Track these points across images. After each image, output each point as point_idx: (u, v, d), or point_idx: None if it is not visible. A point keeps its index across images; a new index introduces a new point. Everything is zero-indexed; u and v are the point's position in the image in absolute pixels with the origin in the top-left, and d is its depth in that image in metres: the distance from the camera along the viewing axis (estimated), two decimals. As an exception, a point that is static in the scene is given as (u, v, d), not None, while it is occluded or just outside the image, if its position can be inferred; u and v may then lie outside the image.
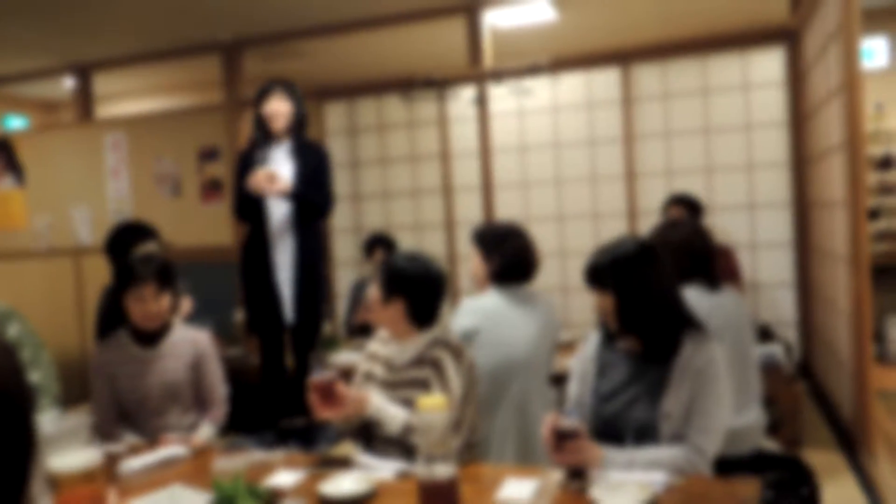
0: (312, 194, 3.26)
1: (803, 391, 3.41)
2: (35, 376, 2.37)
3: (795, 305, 4.02)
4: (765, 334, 3.27)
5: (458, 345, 2.07)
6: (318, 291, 3.35)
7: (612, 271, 1.83)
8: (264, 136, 3.30)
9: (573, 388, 1.98)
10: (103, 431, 2.30)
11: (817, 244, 3.71)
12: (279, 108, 3.24)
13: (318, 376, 1.93)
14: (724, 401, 1.76)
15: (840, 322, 3.19)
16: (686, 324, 1.82)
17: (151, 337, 2.42)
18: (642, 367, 1.84)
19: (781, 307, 4.04)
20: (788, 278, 4.03)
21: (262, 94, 3.29)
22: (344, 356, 3.44)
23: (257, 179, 3.10)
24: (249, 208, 3.27)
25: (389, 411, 1.97)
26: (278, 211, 3.26)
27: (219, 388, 2.48)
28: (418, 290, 2.07)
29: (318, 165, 3.34)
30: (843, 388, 3.20)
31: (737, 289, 3.30)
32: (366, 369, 2.19)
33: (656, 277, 1.82)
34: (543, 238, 4.45)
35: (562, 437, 1.65)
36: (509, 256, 2.51)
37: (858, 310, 2.88)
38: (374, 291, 2.12)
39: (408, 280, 2.08)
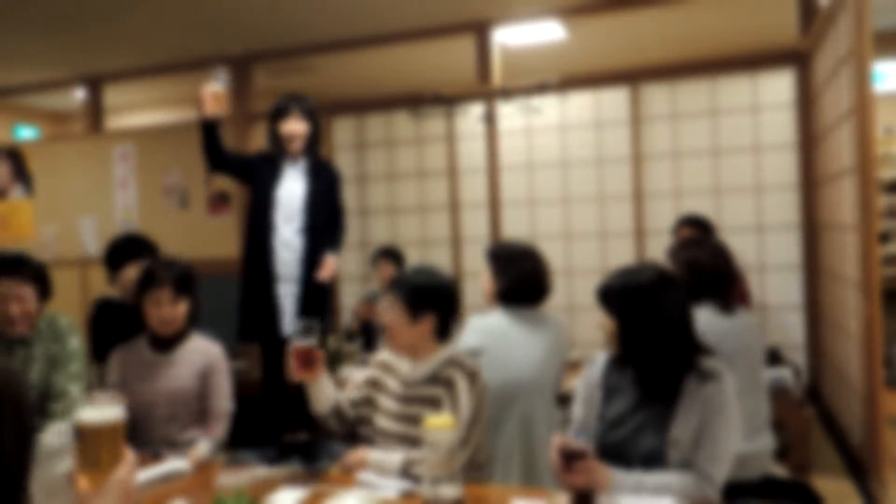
0: (336, 234, 3.37)
1: (812, 416, 3.37)
2: (75, 390, 2.45)
3: (804, 328, 3.98)
4: (774, 357, 3.24)
5: (473, 367, 2.05)
6: (322, 305, 3.34)
7: (621, 299, 1.80)
8: (279, 152, 3.32)
9: (577, 411, 1.95)
10: None
11: (827, 267, 3.68)
12: (296, 130, 3.25)
13: (299, 342, 2.07)
14: (733, 427, 1.73)
15: (850, 346, 3.16)
16: (691, 364, 1.77)
17: (167, 343, 2.43)
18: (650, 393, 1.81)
19: (790, 330, 4.00)
20: (797, 301, 4.00)
21: (280, 112, 3.28)
22: (349, 372, 3.41)
23: (204, 100, 3.08)
24: (212, 146, 3.23)
25: (386, 458, 1.95)
26: (284, 225, 3.25)
27: (223, 402, 2.46)
28: (447, 302, 2.07)
29: (332, 187, 3.38)
30: (852, 413, 3.16)
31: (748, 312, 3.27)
32: (374, 376, 2.18)
33: (665, 316, 1.76)
34: (550, 256, 4.38)
35: (569, 458, 1.63)
36: (517, 278, 2.49)
37: (869, 334, 2.85)
38: (392, 314, 2.06)
39: (436, 294, 2.06)
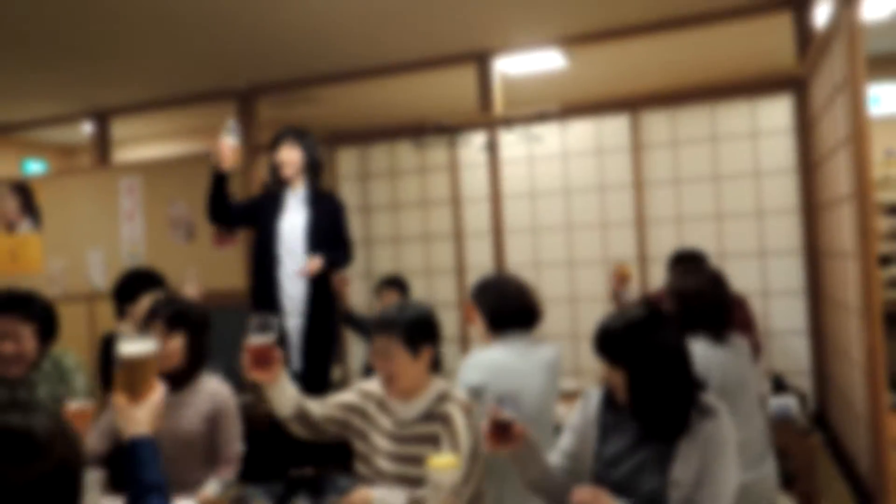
0: (337, 255, 3.31)
1: (819, 443, 3.36)
2: None
3: (809, 354, 3.97)
4: (778, 385, 3.24)
5: (466, 401, 2.06)
6: (328, 340, 3.36)
7: (624, 340, 1.77)
8: (277, 182, 3.37)
9: (566, 441, 1.94)
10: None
11: (829, 292, 3.69)
12: (287, 157, 3.31)
13: (255, 340, 1.96)
14: (732, 465, 1.74)
15: (854, 372, 3.16)
16: (693, 399, 1.78)
17: (175, 382, 2.39)
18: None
19: (795, 356, 3.99)
20: (801, 326, 4.00)
21: (275, 142, 3.37)
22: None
23: (221, 151, 3.12)
24: (219, 200, 3.27)
25: (390, 497, 1.95)
26: (289, 258, 3.29)
27: (233, 445, 2.44)
28: (438, 331, 2.08)
29: (334, 217, 3.40)
30: (859, 439, 3.15)
31: (751, 340, 3.26)
32: (360, 406, 2.13)
33: (667, 349, 1.76)
34: (554, 284, 4.46)
35: (499, 428, 1.73)
36: (501, 300, 2.47)
37: (872, 360, 2.85)
38: (390, 358, 2.00)
39: (430, 325, 2.07)
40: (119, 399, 1.50)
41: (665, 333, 1.78)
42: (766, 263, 4.08)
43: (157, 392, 1.54)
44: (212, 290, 4.84)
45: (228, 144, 3.12)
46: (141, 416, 1.48)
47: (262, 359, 1.98)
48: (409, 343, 2.01)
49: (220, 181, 3.21)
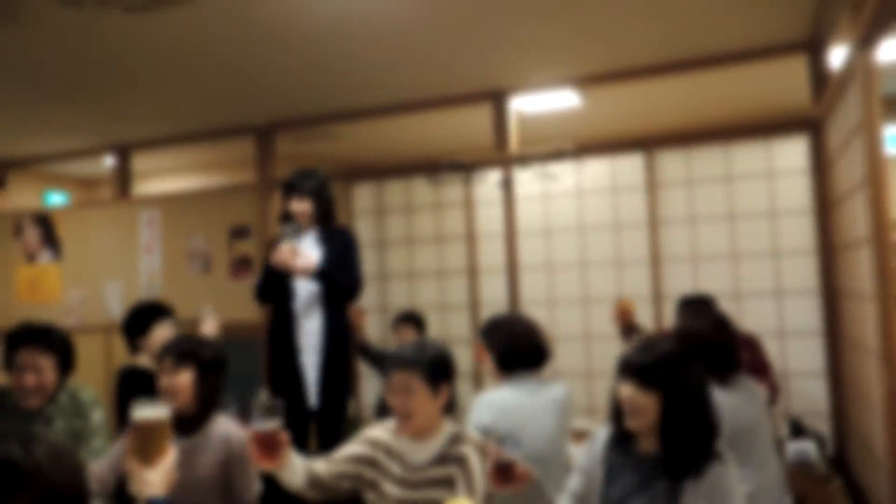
0: (338, 275, 3.31)
1: (839, 489, 3.29)
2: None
3: (827, 396, 3.92)
4: (796, 429, 3.19)
5: (480, 441, 2.05)
6: (343, 376, 3.36)
7: (667, 369, 1.78)
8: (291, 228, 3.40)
9: (574, 482, 1.94)
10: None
11: (848, 334, 3.65)
12: (298, 209, 3.37)
13: (260, 426, 1.88)
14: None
15: (874, 415, 3.11)
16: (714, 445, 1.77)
17: (187, 425, 2.35)
18: (653, 472, 1.79)
19: (812, 398, 3.94)
20: (819, 368, 3.95)
21: (287, 189, 3.41)
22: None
23: (281, 254, 3.18)
24: (271, 288, 3.32)
25: None
26: (304, 294, 3.31)
27: (249, 489, 2.37)
28: (454, 370, 2.08)
29: (345, 249, 3.41)
30: (880, 485, 3.09)
31: (767, 382, 3.22)
32: (368, 455, 2.09)
33: (700, 384, 1.80)
34: (568, 322, 4.44)
35: (501, 469, 1.75)
36: (509, 340, 2.46)
37: (892, 403, 2.80)
38: (410, 394, 1.98)
39: (449, 363, 2.07)
40: (132, 463, 1.54)
41: (697, 368, 1.81)
42: (782, 304, 4.05)
43: (171, 457, 1.58)
44: (227, 322, 4.86)
45: (288, 248, 3.19)
46: (154, 478, 1.52)
47: (269, 445, 1.90)
48: (431, 380, 2.01)
49: (278, 278, 3.27)
